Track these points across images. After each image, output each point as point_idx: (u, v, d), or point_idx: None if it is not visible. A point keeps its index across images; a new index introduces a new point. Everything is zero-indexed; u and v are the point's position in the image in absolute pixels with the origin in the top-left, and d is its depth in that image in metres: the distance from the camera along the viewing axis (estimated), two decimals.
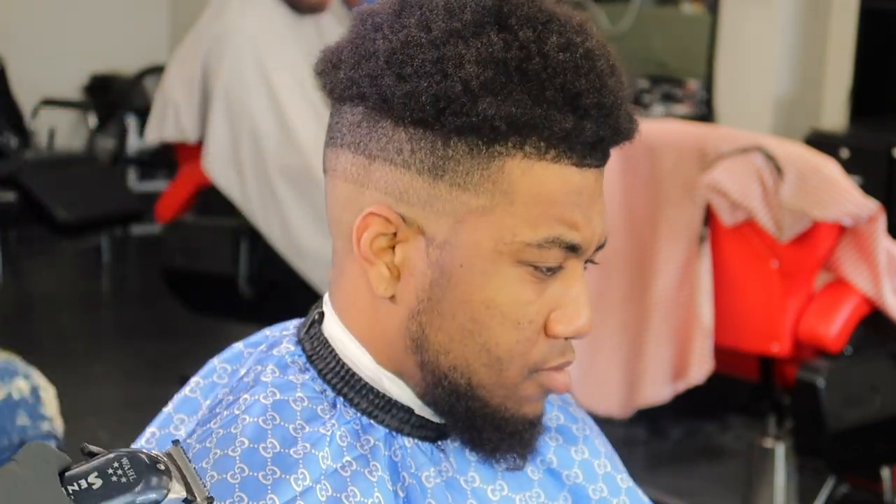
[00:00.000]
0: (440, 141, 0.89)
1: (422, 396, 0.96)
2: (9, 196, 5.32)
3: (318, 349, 0.97)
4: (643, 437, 3.88)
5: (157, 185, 5.90)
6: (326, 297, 0.99)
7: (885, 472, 3.04)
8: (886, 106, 4.55)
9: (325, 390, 0.95)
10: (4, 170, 5.20)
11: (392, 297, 0.93)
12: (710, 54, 4.85)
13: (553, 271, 0.92)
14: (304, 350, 0.97)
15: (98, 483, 0.77)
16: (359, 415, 0.95)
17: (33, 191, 5.10)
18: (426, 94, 0.88)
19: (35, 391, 1.93)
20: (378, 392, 0.95)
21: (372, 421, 0.95)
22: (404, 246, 0.92)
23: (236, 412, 0.92)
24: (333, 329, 0.97)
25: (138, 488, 0.77)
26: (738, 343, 2.93)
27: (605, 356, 3.11)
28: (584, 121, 0.89)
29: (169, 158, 5.13)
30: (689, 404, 3.30)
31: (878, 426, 2.86)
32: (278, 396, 0.93)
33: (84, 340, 4.92)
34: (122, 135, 6.08)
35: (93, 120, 6.22)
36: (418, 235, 0.91)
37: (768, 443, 3.02)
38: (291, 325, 1.02)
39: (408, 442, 0.96)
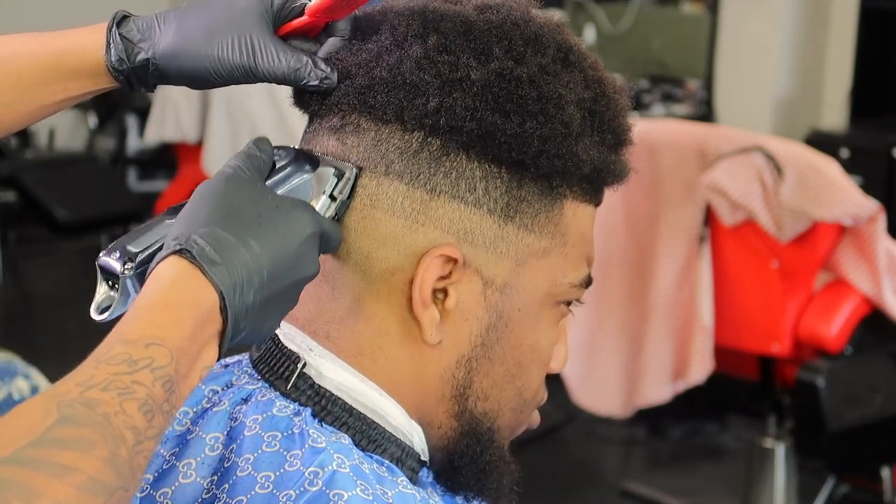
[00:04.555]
0: (515, 181, 0.85)
1: (441, 447, 0.90)
2: (9, 196, 5.32)
3: (324, 405, 0.87)
4: (643, 437, 3.88)
5: (157, 185, 5.90)
6: (309, 344, 0.89)
7: (885, 472, 3.04)
8: (886, 106, 4.55)
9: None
10: (4, 170, 5.20)
11: (438, 343, 0.87)
12: (710, 54, 4.85)
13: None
14: (301, 407, 0.88)
15: (287, 158, 0.86)
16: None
17: (33, 191, 5.10)
18: (534, 135, 0.84)
19: (35, 391, 1.93)
20: (401, 443, 0.89)
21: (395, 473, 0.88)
22: (458, 288, 0.86)
23: (322, 488, 0.82)
24: (345, 379, 0.88)
25: (323, 163, 0.86)
26: (738, 343, 2.94)
27: (606, 356, 3.11)
28: (624, 162, 0.90)
29: (169, 158, 5.13)
30: (689, 404, 3.30)
31: (878, 426, 2.86)
32: (348, 462, 0.84)
33: (84, 340, 4.91)
34: (122, 135, 6.08)
35: (93, 120, 6.22)
36: (474, 277, 0.86)
37: (768, 443, 3.02)
38: (243, 374, 0.92)
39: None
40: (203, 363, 0.76)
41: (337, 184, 0.85)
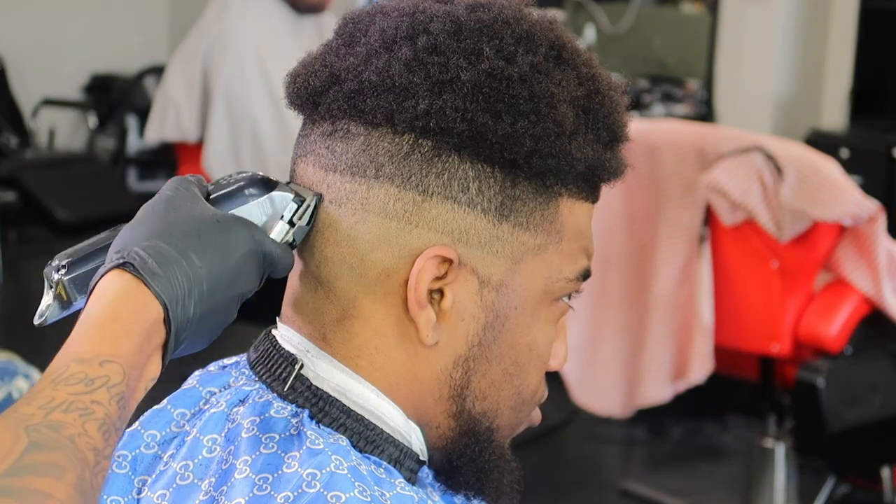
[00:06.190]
0: (509, 180, 0.85)
1: (439, 447, 0.90)
2: (9, 196, 5.32)
3: (322, 407, 0.87)
4: (643, 437, 3.88)
5: (157, 185, 5.89)
6: (306, 346, 0.89)
7: (885, 472, 3.04)
8: (886, 106, 4.55)
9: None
10: (4, 170, 5.20)
11: (434, 343, 0.87)
12: (710, 54, 4.85)
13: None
14: (299, 408, 0.87)
15: (236, 184, 0.86)
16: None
17: (33, 191, 5.10)
18: (526, 135, 0.83)
19: None
20: (399, 444, 0.88)
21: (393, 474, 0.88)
22: (454, 288, 0.86)
23: (320, 490, 0.81)
24: (342, 381, 0.88)
25: (271, 186, 0.86)
26: (738, 343, 2.94)
27: (606, 356, 3.11)
28: (621, 159, 0.90)
29: (169, 158, 5.13)
30: (689, 404, 3.30)
31: (878, 426, 2.86)
32: (346, 464, 0.84)
33: None
34: (122, 135, 6.08)
35: (93, 120, 6.22)
36: (470, 277, 0.86)
37: (768, 443, 3.02)
38: (241, 376, 0.91)
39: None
40: (148, 376, 0.78)
41: (297, 210, 0.86)
